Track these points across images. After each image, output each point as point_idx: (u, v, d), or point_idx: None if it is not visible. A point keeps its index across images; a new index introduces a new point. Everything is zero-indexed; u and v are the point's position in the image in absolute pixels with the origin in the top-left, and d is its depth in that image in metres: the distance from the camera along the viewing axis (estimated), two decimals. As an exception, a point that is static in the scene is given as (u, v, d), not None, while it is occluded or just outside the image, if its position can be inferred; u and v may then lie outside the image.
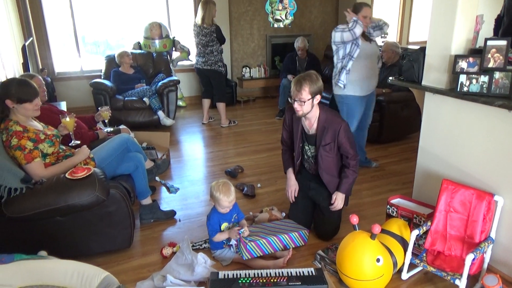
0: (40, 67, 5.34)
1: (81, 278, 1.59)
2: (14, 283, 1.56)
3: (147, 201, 2.83)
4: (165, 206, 3.10)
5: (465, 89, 2.24)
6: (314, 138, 2.54)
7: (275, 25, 4.97)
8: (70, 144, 2.67)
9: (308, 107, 2.38)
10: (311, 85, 2.33)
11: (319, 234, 2.66)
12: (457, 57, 2.29)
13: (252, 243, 2.27)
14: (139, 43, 5.77)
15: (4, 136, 2.22)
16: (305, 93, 2.33)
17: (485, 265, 2.19)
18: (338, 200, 2.55)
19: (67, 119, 2.61)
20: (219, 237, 2.39)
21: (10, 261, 1.77)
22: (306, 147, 2.63)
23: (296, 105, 2.38)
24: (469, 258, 1.92)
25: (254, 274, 2.04)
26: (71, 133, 2.67)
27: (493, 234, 2.13)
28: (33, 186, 2.18)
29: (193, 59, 6.19)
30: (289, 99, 2.47)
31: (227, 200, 2.32)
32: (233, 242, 2.37)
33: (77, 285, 1.59)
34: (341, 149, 2.51)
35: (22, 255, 1.97)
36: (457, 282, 1.97)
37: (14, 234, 2.21)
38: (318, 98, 2.41)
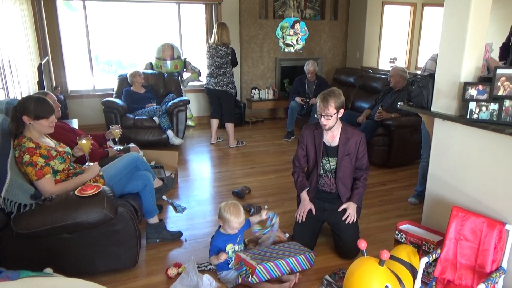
0: (54, 85, 5.45)
1: (87, 297, 1.58)
2: (20, 300, 1.55)
3: (154, 220, 2.83)
4: (171, 225, 3.09)
5: (475, 116, 2.24)
6: (335, 149, 2.67)
7: (286, 50, 5.05)
8: (84, 166, 2.69)
9: (333, 120, 2.55)
10: (336, 101, 2.51)
11: (342, 254, 2.67)
12: (466, 85, 2.30)
13: (260, 266, 2.25)
14: (151, 63, 5.88)
15: (17, 152, 2.26)
16: (331, 108, 2.50)
17: (497, 296, 2.13)
18: (350, 210, 2.63)
19: (84, 141, 2.65)
20: (212, 261, 2.39)
21: (16, 278, 1.77)
22: (325, 161, 2.70)
23: (323, 120, 2.54)
24: (480, 288, 1.87)
25: (260, 298, 2.01)
26: (86, 155, 2.70)
27: (504, 264, 2.08)
28: (42, 203, 2.20)
29: (203, 79, 6.31)
30: (315, 115, 2.62)
31: (237, 221, 2.33)
32: (233, 273, 2.34)
33: (82, 305, 1.58)
34: (359, 160, 2.68)
35: (28, 272, 1.96)
36: (468, 313, 1.92)
37: (20, 251, 2.22)
38: (341, 111, 2.59)
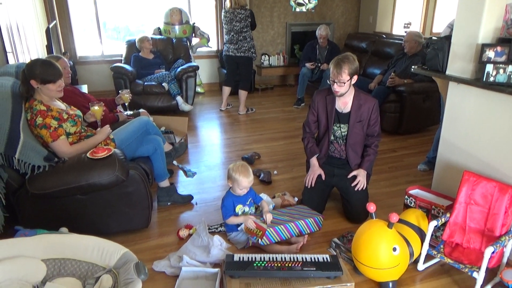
0: (63, 50, 5.42)
1: (101, 253, 1.64)
2: (37, 255, 1.61)
3: (165, 183, 2.87)
4: (182, 189, 3.13)
5: (492, 79, 2.18)
6: (347, 116, 2.62)
7: (297, 9, 4.85)
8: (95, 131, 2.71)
9: (346, 87, 2.49)
10: (350, 67, 2.43)
11: (352, 219, 2.68)
12: (484, 46, 2.22)
13: (270, 228, 2.29)
14: (159, 28, 5.79)
15: (28, 115, 2.27)
16: (345, 75, 2.42)
17: (505, 259, 2.14)
18: (360, 177, 2.61)
19: (96, 107, 2.65)
20: (233, 220, 2.41)
21: (33, 235, 1.83)
22: (336, 127, 2.66)
23: (335, 86, 2.48)
24: (489, 251, 1.88)
25: (269, 258, 2.05)
26: (98, 121, 2.71)
27: (514, 228, 2.08)
28: (55, 165, 2.23)
29: (212, 45, 6.21)
30: (328, 81, 2.55)
31: (247, 180, 2.34)
32: (242, 234, 2.38)
33: (97, 260, 1.64)
34: (370, 127, 2.63)
35: (44, 230, 2.03)
36: (474, 275, 1.94)
37: (36, 211, 2.27)
38: (355, 78, 2.51)
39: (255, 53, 5.02)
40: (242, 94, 5.16)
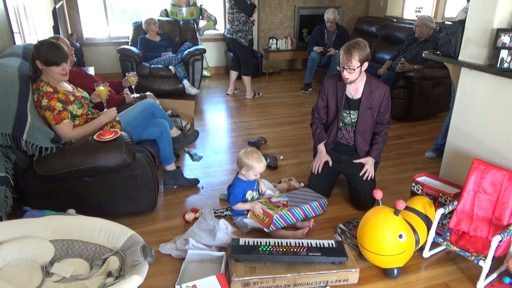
0: (70, 31, 5.39)
1: (108, 235, 1.65)
2: (46, 236, 1.63)
3: (171, 167, 2.87)
4: (188, 173, 3.14)
5: (506, 65, 2.13)
6: (358, 102, 2.56)
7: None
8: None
9: (356, 74, 2.42)
10: (360, 53, 2.35)
11: (358, 206, 2.67)
12: (499, 31, 2.16)
13: (277, 215, 2.29)
14: (166, 10, 5.72)
15: (35, 96, 2.27)
16: (355, 61, 2.35)
17: (512, 248, 2.14)
18: (368, 166, 2.59)
19: (101, 87, 2.64)
20: (240, 207, 2.42)
21: (41, 216, 1.84)
22: (345, 114, 2.62)
23: (345, 73, 2.41)
24: (496, 239, 1.87)
25: (274, 242, 2.06)
26: (104, 101, 2.70)
27: (522, 217, 2.06)
28: (62, 147, 2.23)
29: (220, 28, 6.13)
30: (338, 68, 2.48)
31: (262, 164, 2.37)
32: (251, 222, 2.39)
33: (105, 242, 1.65)
34: (381, 114, 2.58)
35: (52, 211, 2.05)
36: (481, 263, 1.93)
37: (44, 192, 2.29)
38: (366, 65, 2.43)
39: (245, 39, 4.80)
40: (245, 79, 5.11)
